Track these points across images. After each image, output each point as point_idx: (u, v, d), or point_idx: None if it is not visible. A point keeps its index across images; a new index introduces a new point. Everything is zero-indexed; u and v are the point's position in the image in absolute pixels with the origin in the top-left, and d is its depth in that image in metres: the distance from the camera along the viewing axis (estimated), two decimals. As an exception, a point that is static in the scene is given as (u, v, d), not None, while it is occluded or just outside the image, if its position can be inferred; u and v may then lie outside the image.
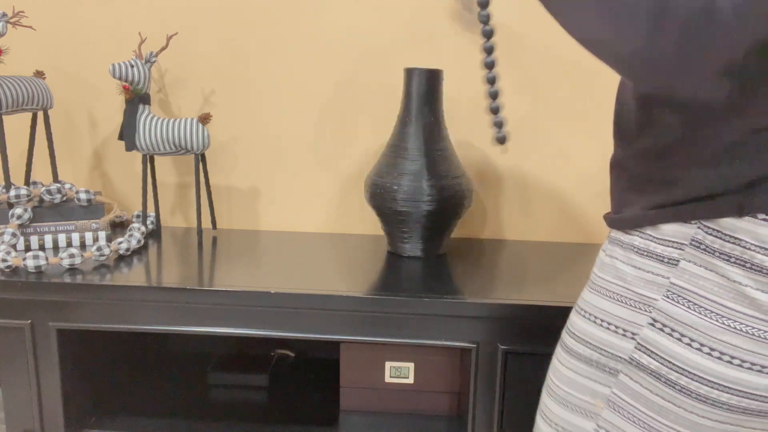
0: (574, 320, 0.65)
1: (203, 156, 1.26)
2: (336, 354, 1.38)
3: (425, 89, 1.09)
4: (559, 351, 0.67)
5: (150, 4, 1.27)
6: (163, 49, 1.18)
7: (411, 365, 1.11)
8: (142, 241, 1.15)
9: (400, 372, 1.12)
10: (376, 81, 1.28)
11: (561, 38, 1.25)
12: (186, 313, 0.95)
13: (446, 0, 1.25)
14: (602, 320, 0.61)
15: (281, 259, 1.11)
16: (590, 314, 0.63)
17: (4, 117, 1.24)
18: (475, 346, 0.93)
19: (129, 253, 1.10)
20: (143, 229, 1.16)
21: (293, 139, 1.32)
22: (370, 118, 1.30)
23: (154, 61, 1.17)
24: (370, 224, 1.35)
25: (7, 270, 0.98)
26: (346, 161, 1.32)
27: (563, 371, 0.65)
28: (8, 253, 0.98)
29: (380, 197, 1.09)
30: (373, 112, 1.30)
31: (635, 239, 0.61)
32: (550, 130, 1.29)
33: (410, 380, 1.12)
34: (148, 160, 1.23)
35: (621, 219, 0.62)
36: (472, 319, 0.92)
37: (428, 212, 1.08)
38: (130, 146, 1.15)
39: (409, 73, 1.10)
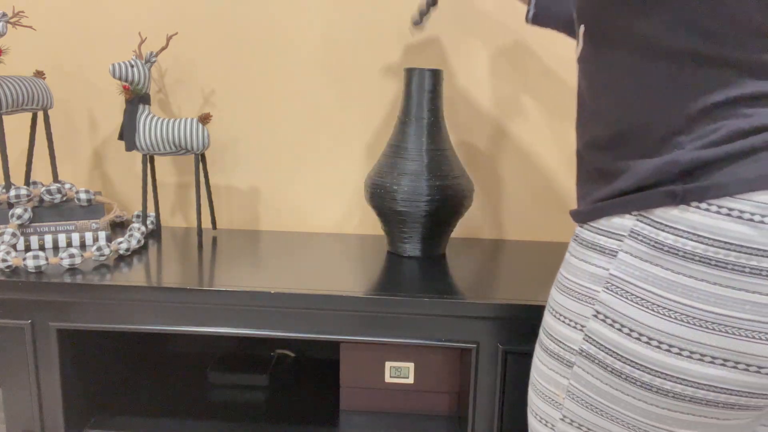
0: (545, 316, 0.68)
1: (203, 156, 1.26)
2: (336, 354, 1.38)
3: (425, 89, 1.09)
4: (536, 347, 0.69)
5: (150, 4, 1.27)
6: (163, 49, 1.18)
7: (411, 365, 1.11)
8: (142, 241, 1.15)
9: (400, 372, 1.12)
10: (376, 81, 1.28)
11: (561, 38, 1.25)
12: (186, 313, 0.95)
13: (446, 0, 1.25)
14: (560, 314, 0.64)
15: (281, 259, 1.11)
16: (553, 309, 0.65)
17: (4, 117, 1.24)
18: (475, 346, 0.93)
19: (129, 253, 1.10)
20: (143, 229, 1.16)
21: (293, 139, 1.32)
22: (370, 118, 1.30)
23: (154, 61, 1.17)
24: (370, 224, 1.35)
25: (7, 270, 0.98)
26: (346, 161, 1.32)
27: (538, 365, 0.67)
28: (8, 253, 0.98)
29: (380, 197, 1.09)
30: (373, 112, 1.30)
31: (584, 232, 0.62)
32: (551, 130, 1.29)
33: (410, 380, 1.12)
34: (148, 160, 1.23)
35: (577, 212, 0.64)
36: (472, 319, 0.92)
37: (428, 212, 1.08)
38: (130, 146, 1.15)
39: (409, 73, 1.10)
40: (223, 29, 1.28)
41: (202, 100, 1.32)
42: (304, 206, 1.35)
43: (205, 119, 1.15)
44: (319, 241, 1.25)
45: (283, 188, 1.34)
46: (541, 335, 0.68)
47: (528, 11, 1.00)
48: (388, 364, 1.12)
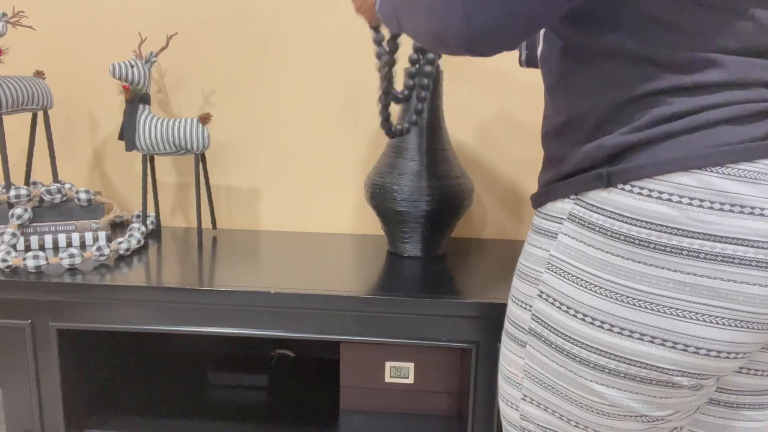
0: (508, 304, 0.70)
1: (203, 156, 1.26)
2: (336, 354, 1.38)
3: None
4: (502, 335, 0.72)
5: (150, 4, 1.27)
6: (163, 49, 1.18)
7: (411, 365, 1.11)
8: (142, 241, 1.15)
9: (400, 372, 1.12)
10: (377, 81, 1.28)
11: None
12: (186, 313, 0.95)
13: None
14: (515, 297, 0.67)
15: (281, 259, 1.11)
16: (512, 294, 0.69)
17: (4, 117, 1.24)
18: (475, 346, 0.93)
19: (129, 253, 1.10)
20: (143, 229, 1.16)
21: (293, 139, 1.32)
22: (370, 118, 1.30)
23: (154, 61, 1.17)
24: (370, 224, 1.35)
25: (7, 270, 0.98)
26: (346, 161, 1.32)
27: (503, 350, 0.70)
28: (8, 253, 0.98)
29: (380, 197, 1.09)
30: (373, 112, 1.30)
31: (536, 219, 0.66)
32: (550, 130, 1.29)
33: (410, 380, 1.12)
34: (148, 160, 1.23)
35: (532, 198, 0.68)
36: (472, 319, 0.92)
37: (428, 212, 1.08)
38: (130, 146, 1.15)
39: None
40: (223, 29, 1.28)
41: (202, 100, 1.32)
42: (304, 206, 1.35)
43: (205, 119, 1.15)
44: (319, 241, 1.25)
45: (283, 188, 1.34)
46: (505, 322, 0.71)
47: (520, 55, 1.03)
48: (388, 364, 1.12)
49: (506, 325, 0.69)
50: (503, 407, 0.71)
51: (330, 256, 1.14)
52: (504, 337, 0.70)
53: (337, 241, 1.25)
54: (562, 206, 0.61)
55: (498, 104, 1.28)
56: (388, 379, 1.12)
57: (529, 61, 1.02)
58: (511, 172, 1.31)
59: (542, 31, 0.68)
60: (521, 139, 1.30)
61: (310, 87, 1.29)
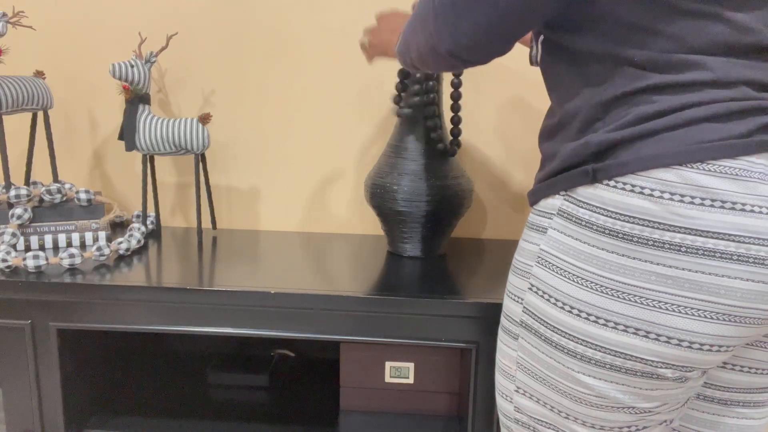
0: (504, 298, 0.72)
1: (203, 156, 1.26)
2: (336, 354, 1.38)
3: (425, 89, 1.09)
4: (499, 329, 0.73)
5: (150, 4, 1.27)
6: (163, 49, 1.18)
7: (411, 365, 1.12)
8: (142, 241, 1.15)
9: (400, 372, 1.12)
10: (377, 80, 1.28)
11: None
12: (186, 313, 0.95)
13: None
14: (509, 291, 0.69)
15: (281, 259, 1.11)
16: (507, 288, 0.70)
17: (4, 117, 1.24)
18: (474, 346, 0.93)
19: (129, 253, 1.10)
20: (143, 229, 1.16)
21: (293, 139, 1.32)
22: (370, 118, 1.30)
23: (154, 61, 1.17)
24: (370, 224, 1.35)
25: (7, 270, 0.98)
26: (346, 161, 1.32)
27: (499, 344, 0.72)
28: (8, 253, 0.98)
29: (380, 197, 1.09)
30: (373, 112, 1.30)
31: (530, 216, 0.68)
32: (550, 130, 1.29)
33: (410, 380, 1.12)
34: (148, 160, 1.23)
35: (528, 196, 0.69)
36: (472, 319, 0.92)
37: (428, 212, 1.08)
38: (130, 146, 1.15)
39: (410, 73, 1.10)
40: (223, 29, 1.28)
41: (202, 100, 1.32)
42: (303, 206, 1.35)
43: (205, 119, 1.15)
44: (319, 241, 1.25)
45: (283, 188, 1.34)
46: (501, 316, 0.72)
47: (531, 49, 1.03)
48: (388, 364, 1.12)
49: (501, 319, 0.71)
50: (499, 400, 0.72)
51: (330, 256, 1.14)
52: (500, 331, 0.71)
53: (337, 241, 1.25)
54: (553, 202, 0.63)
55: (498, 104, 1.28)
56: (388, 379, 1.12)
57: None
58: (511, 172, 1.31)
59: (540, 38, 0.69)
60: (521, 139, 1.30)
61: (310, 87, 1.29)
